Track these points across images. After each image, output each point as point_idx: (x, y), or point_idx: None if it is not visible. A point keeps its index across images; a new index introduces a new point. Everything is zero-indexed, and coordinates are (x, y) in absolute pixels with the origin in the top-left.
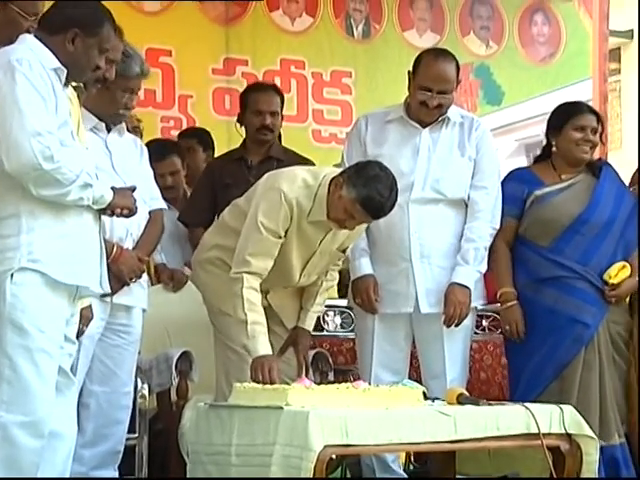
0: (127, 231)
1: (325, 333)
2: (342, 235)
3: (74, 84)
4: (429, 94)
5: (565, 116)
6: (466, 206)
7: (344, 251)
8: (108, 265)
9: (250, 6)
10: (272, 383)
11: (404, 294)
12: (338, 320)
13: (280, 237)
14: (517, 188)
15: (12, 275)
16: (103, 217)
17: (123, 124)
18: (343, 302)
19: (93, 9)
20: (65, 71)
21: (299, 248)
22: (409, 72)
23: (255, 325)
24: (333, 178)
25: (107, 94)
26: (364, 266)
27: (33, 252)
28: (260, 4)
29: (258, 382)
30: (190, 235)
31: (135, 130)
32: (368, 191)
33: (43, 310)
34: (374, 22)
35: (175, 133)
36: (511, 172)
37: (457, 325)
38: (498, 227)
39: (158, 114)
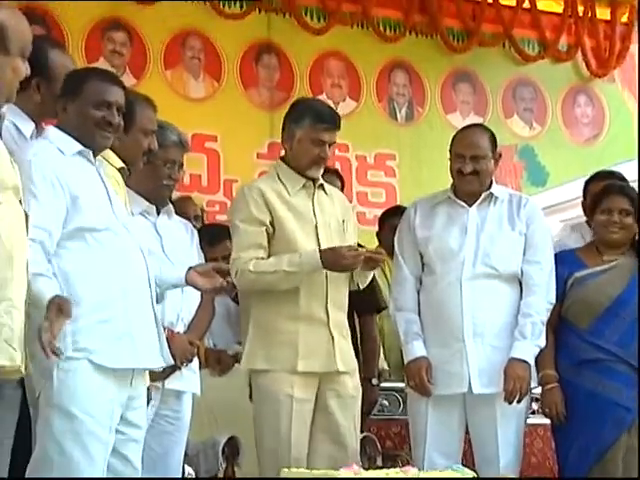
0: (178, 315)
1: (372, 417)
2: (329, 205)
3: (118, 166)
4: (463, 161)
5: (595, 199)
6: (519, 282)
7: (359, 245)
8: None
9: (294, 91)
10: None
11: (457, 374)
12: (386, 403)
13: (261, 224)
14: (559, 270)
15: (58, 364)
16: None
17: (170, 206)
18: (389, 384)
19: (76, 73)
20: (90, 152)
21: (299, 225)
22: (450, 151)
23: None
24: (282, 142)
25: (149, 168)
26: (417, 348)
27: (78, 341)
28: (305, 89)
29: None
30: None
31: (196, 218)
32: (314, 109)
33: (91, 394)
34: (417, 105)
35: (221, 218)
36: (555, 254)
37: (519, 401)
38: (554, 301)
39: (204, 199)
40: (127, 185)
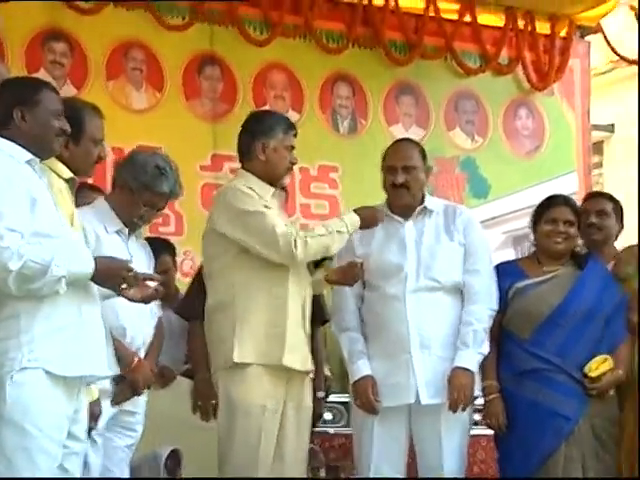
0: (144, 341)
1: (316, 429)
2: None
3: (66, 177)
4: (395, 172)
5: (539, 210)
6: (461, 292)
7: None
8: (125, 375)
9: (237, 103)
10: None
11: (405, 386)
12: (329, 416)
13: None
14: (500, 281)
15: (12, 376)
16: (125, 321)
17: (142, 230)
18: (334, 398)
19: (26, 83)
20: (37, 160)
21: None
22: (382, 166)
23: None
24: (247, 155)
25: (130, 199)
26: (362, 367)
27: (34, 350)
28: (247, 100)
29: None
30: (191, 329)
31: None
32: (282, 119)
33: (44, 408)
34: (360, 117)
35: (164, 230)
36: (496, 266)
37: (463, 409)
38: (496, 308)
39: None
40: (106, 199)
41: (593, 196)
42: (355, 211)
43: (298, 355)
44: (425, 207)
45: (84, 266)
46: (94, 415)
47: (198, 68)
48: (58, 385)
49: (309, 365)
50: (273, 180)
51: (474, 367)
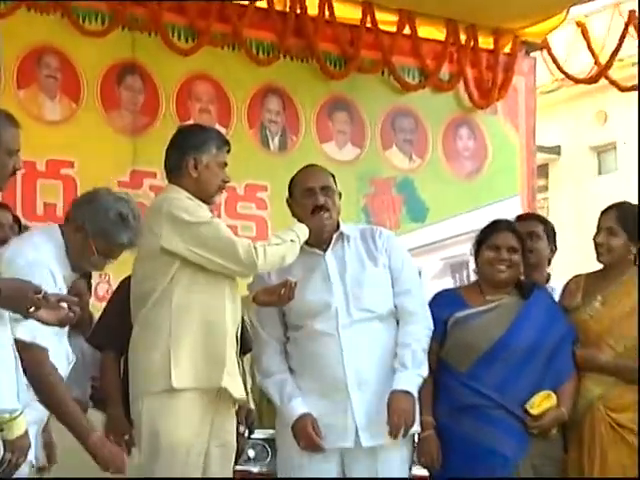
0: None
1: (238, 467)
2: None
3: None
4: (313, 194)
5: (482, 235)
6: (396, 319)
7: None
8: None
9: (159, 115)
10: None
11: (342, 428)
12: (252, 453)
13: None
14: (439, 310)
15: None
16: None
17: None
18: (258, 434)
19: None
20: None
21: None
22: (287, 201)
23: None
24: (177, 172)
25: (84, 242)
26: (297, 407)
27: None
28: (170, 113)
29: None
30: (103, 360)
31: (12, 228)
32: (215, 134)
33: None
34: (291, 133)
35: None
36: (436, 294)
37: (404, 435)
38: (433, 327)
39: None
40: (62, 234)
41: (522, 218)
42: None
43: (235, 381)
44: (342, 233)
45: None
46: (23, 449)
47: (118, 77)
48: None
49: (242, 393)
50: (204, 199)
51: (414, 389)
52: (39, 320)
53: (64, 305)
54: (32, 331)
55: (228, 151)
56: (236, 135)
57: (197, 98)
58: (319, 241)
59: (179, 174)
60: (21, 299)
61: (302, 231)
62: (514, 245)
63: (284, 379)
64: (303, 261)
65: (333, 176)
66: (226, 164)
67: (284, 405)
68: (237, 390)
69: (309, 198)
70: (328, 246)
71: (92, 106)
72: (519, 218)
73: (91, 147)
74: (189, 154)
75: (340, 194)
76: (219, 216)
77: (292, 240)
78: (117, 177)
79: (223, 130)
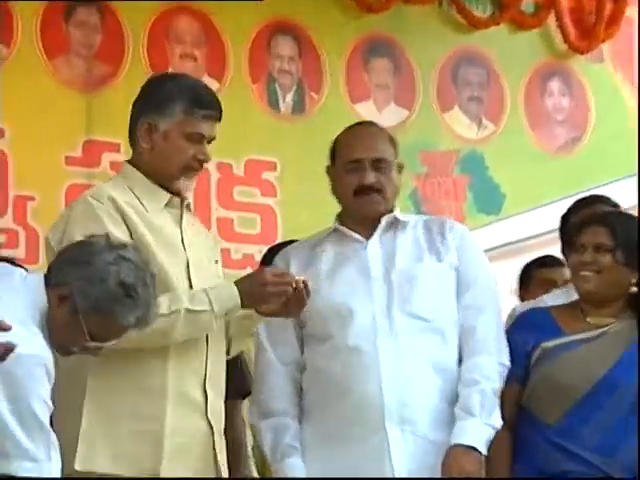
0: None
1: None
2: (201, 236)
3: None
4: (360, 168)
5: (566, 231)
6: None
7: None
8: None
9: (124, 64)
10: None
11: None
12: None
13: None
14: (521, 337)
15: None
16: None
17: None
18: None
19: None
20: None
21: (167, 255)
22: (328, 169)
23: None
24: (131, 139)
25: (71, 320)
26: (291, 468)
27: None
28: (139, 60)
29: None
30: None
31: None
32: (188, 87)
33: None
34: (310, 89)
35: (7, 253)
36: (519, 315)
37: None
38: (508, 364)
39: None
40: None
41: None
42: (238, 283)
43: (188, 460)
44: (396, 218)
45: None
46: None
47: (65, 12)
48: None
49: (220, 471)
50: (163, 181)
51: (482, 446)
52: None
53: None
54: None
55: (209, 117)
56: (232, 91)
57: (178, 39)
58: (363, 225)
59: (133, 146)
60: None
61: (222, 297)
62: (605, 243)
63: (284, 425)
64: (336, 248)
65: (392, 139)
66: (203, 136)
67: (276, 462)
68: (197, 470)
69: (354, 174)
70: (373, 233)
71: (29, 51)
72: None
73: (27, 109)
74: (146, 115)
75: (401, 165)
76: (208, 206)
77: (189, 310)
78: (64, 151)
79: (214, 84)
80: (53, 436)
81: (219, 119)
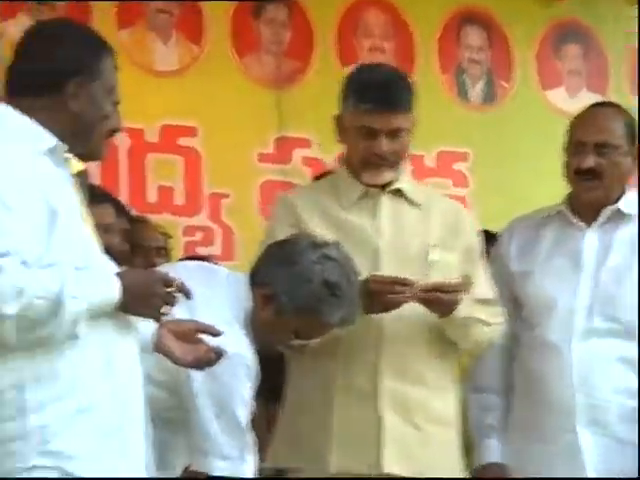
0: None
1: None
2: (413, 220)
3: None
4: (583, 151)
5: None
6: None
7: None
8: None
9: (312, 60)
10: None
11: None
12: None
13: None
14: None
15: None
16: None
17: None
18: None
19: (91, 42)
20: (65, 147)
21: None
22: (567, 142)
23: None
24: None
25: (274, 319)
26: (486, 451)
27: (49, 440)
28: (328, 55)
29: None
30: None
31: (158, 251)
32: (357, 79)
33: None
34: (500, 78)
35: (203, 250)
36: None
37: None
38: None
39: (179, 223)
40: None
41: None
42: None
43: (355, 454)
44: (619, 210)
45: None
46: None
47: (254, 10)
48: None
49: (385, 466)
50: (357, 175)
51: None
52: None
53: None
54: None
55: (380, 110)
56: (422, 82)
57: (366, 32)
58: (585, 209)
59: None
60: (149, 297)
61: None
62: None
63: (490, 404)
64: (557, 233)
65: (628, 123)
66: (372, 130)
67: (476, 443)
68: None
69: (577, 156)
70: (596, 220)
71: (220, 50)
72: None
73: (217, 104)
74: (341, 110)
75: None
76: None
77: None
78: (257, 148)
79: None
80: (250, 438)
81: (394, 109)
